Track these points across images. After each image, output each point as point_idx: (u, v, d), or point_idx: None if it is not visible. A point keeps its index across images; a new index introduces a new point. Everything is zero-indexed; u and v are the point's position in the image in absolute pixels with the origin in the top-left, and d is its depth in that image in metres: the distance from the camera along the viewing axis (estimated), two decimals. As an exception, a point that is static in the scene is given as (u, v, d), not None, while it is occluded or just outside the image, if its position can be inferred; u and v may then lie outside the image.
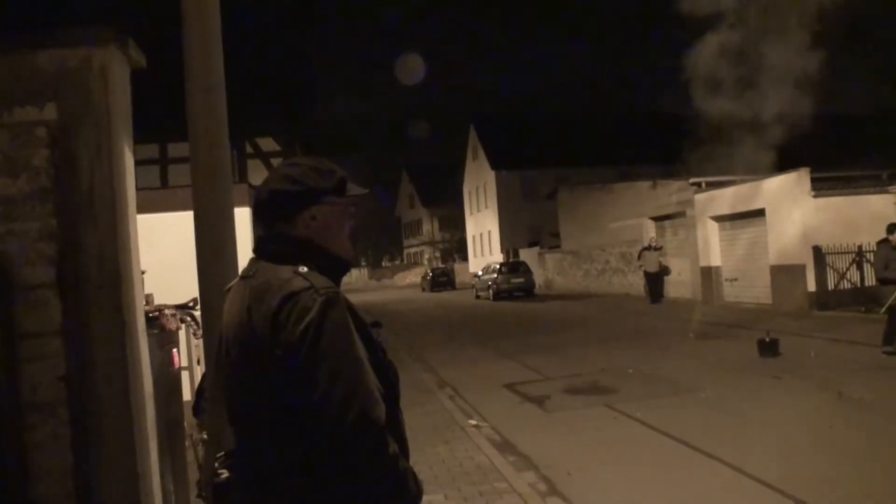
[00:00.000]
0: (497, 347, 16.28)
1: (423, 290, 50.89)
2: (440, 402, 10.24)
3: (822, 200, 18.63)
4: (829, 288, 18.31)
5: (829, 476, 6.14)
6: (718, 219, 22.76)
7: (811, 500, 5.55)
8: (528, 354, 14.59)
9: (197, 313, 4.55)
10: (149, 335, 3.77)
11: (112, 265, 3.30)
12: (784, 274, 19.19)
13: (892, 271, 10.90)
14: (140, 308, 3.61)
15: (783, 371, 10.69)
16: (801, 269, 18.43)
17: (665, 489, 6.16)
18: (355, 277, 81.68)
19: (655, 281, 25.24)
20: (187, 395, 4.97)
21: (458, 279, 52.37)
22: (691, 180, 24.32)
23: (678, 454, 7.17)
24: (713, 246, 23.00)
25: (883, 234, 11.28)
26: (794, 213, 18.86)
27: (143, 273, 3.80)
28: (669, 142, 42.89)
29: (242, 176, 13.88)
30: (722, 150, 19.41)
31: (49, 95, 3.26)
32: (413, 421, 8.64)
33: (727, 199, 22.08)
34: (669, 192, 25.89)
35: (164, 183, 13.92)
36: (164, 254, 5.78)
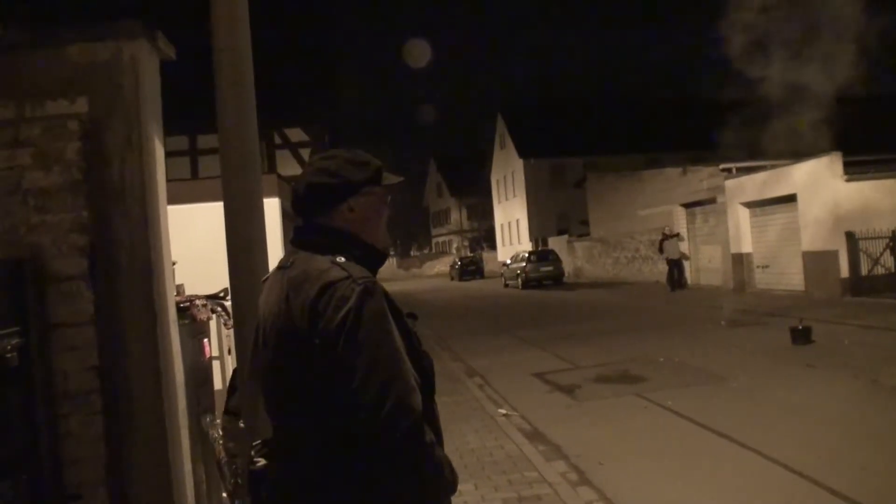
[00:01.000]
0: (526, 336, 16.25)
1: (452, 279, 50.94)
2: (469, 391, 10.25)
3: (855, 185, 18.34)
4: (863, 274, 18.03)
5: (863, 465, 6.05)
6: (749, 205, 22.50)
7: (845, 490, 5.47)
8: (557, 343, 14.55)
9: (227, 303, 4.58)
10: (180, 325, 3.80)
11: (143, 256, 3.33)
12: (816, 260, 18.93)
13: None
14: (171, 298, 3.64)
15: (816, 359, 10.56)
16: (834, 255, 18.17)
17: (697, 479, 6.11)
18: (384, 266, 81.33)
19: (678, 268, 25.60)
20: (218, 384, 5.01)
21: (487, 268, 52.32)
22: (722, 166, 24.09)
23: (710, 443, 7.11)
24: (744, 232, 22.76)
25: None
26: (825, 197, 18.58)
27: (173, 264, 3.83)
28: (699, 127, 42.58)
29: (271, 166, 13.97)
30: (758, 134, 19.16)
31: (80, 89, 3.29)
32: (442, 410, 8.57)
33: (758, 184, 21.82)
34: (700, 179, 25.63)
35: (194, 174, 14.03)
36: (194, 244, 5.81)
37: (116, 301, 3.30)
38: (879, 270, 17.96)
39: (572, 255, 39.86)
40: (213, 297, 4.77)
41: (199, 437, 4.25)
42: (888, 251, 17.89)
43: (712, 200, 24.64)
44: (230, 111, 3.37)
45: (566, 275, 36.63)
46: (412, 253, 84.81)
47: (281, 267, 2.19)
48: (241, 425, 3.34)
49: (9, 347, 3.01)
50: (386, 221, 2.29)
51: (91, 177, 3.27)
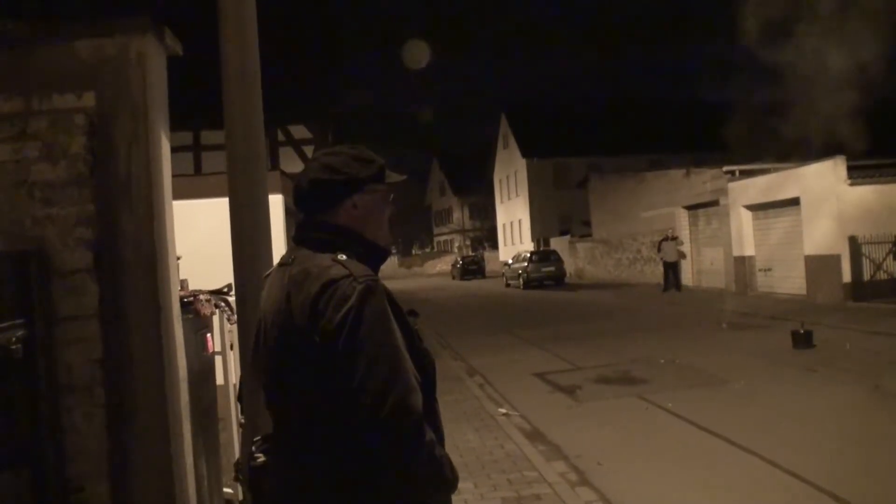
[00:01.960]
0: (527, 336, 16.26)
1: (453, 277, 50.94)
2: (470, 391, 10.26)
3: (859, 189, 18.29)
4: (865, 279, 18.00)
5: (865, 471, 6.06)
6: (752, 207, 22.47)
7: (847, 496, 5.47)
8: (558, 343, 14.56)
9: (231, 299, 4.59)
10: (183, 320, 3.81)
11: (148, 250, 3.34)
12: (819, 264, 18.90)
13: None
14: (175, 293, 3.66)
15: (818, 363, 10.57)
16: (837, 259, 18.13)
17: (696, 481, 6.12)
18: (386, 264, 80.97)
19: (674, 270, 26.11)
20: (220, 379, 5.02)
21: (489, 267, 52.32)
22: (725, 168, 24.07)
23: (710, 446, 7.12)
24: (747, 235, 22.74)
25: None
26: (829, 201, 18.54)
27: (178, 259, 3.84)
28: (703, 129, 42.55)
29: (274, 163, 13.96)
30: (766, 136, 19.13)
31: (87, 83, 3.31)
32: (443, 409, 8.55)
33: (761, 187, 21.78)
34: (703, 181, 25.62)
35: (198, 170, 14.03)
36: (198, 240, 5.82)
37: (121, 295, 3.31)
38: (882, 275, 17.91)
39: (574, 256, 39.85)
40: (216, 293, 4.78)
41: (202, 430, 4.27)
42: (891, 256, 17.86)
43: (715, 203, 24.62)
44: (237, 106, 3.38)
45: (568, 275, 36.63)
46: (414, 251, 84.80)
47: (282, 264, 2.19)
48: (242, 421, 3.36)
49: (13, 340, 3.03)
50: (388, 219, 2.29)
51: (97, 171, 3.29)
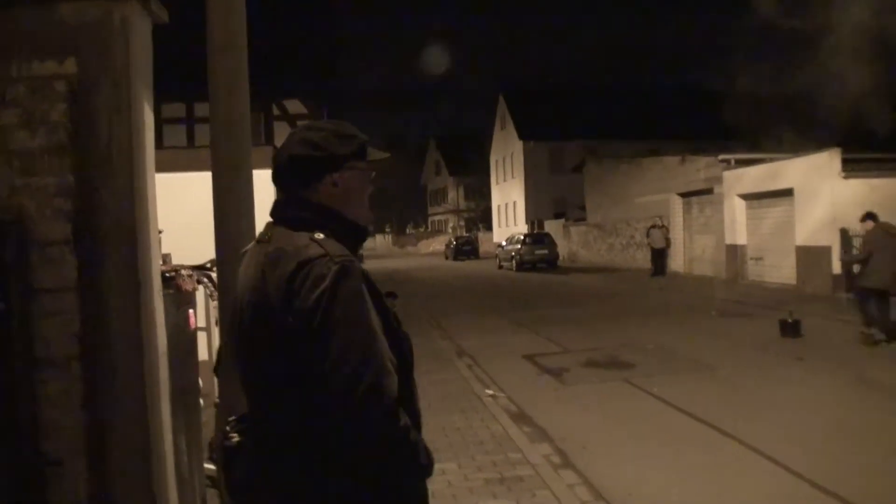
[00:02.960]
0: (518, 318, 16.26)
1: (447, 258, 50.91)
2: (458, 371, 10.26)
3: (853, 182, 18.27)
4: (854, 271, 17.99)
5: (846, 459, 6.09)
6: (746, 197, 22.48)
7: (827, 483, 5.49)
8: (548, 326, 14.57)
9: (214, 274, 4.54)
10: (165, 295, 3.76)
11: (128, 223, 3.28)
12: (809, 255, 18.92)
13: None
14: (156, 267, 3.60)
15: (804, 352, 10.60)
16: (827, 250, 18.13)
17: (680, 466, 6.13)
18: (379, 243, 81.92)
19: (661, 256, 26.82)
20: (203, 355, 4.99)
21: (482, 248, 52.29)
22: (720, 157, 24.07)
23: (695, 432, 7.13)
24: (739, 224, 22.77)
25: None
26: (823, 193, 18.54)
27: (160, 232, 3.78)
28: (702, 117, 42.41)
29: (269, 138, 13.86)
30: (769, 127, 19.07)
31: (69, 49, 3.22)
32: (430, 389, 8.71)
33: (755, 177, 21.81)
34: (698, 168, 25.62)
35: (191, 142, 13.92)
36: (185, 214, 5.77)
37: (100, 268, 3.25)
38: (871, 268, 17.90)
39: (567, 240, 39.86)
40: (199, 268, 4.73)
41: (183, 407, 4.23)
42: (884, 250, 17.83)
43: (709, 191, 24.62)
44: (222, 78, 3.32)
45: (561, 259, 36.63)
46: (408, 231, 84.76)
47: (259, 241, 2.14)
48: (217, 400, 3.32)
49: (-11, 311, 2.98)
50: (369, 198, 2.24)
51: (77, 140, 3.21)
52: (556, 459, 6.41)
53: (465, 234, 60.36)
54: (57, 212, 3.21)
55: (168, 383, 3.65)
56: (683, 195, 26.89)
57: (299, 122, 14.98)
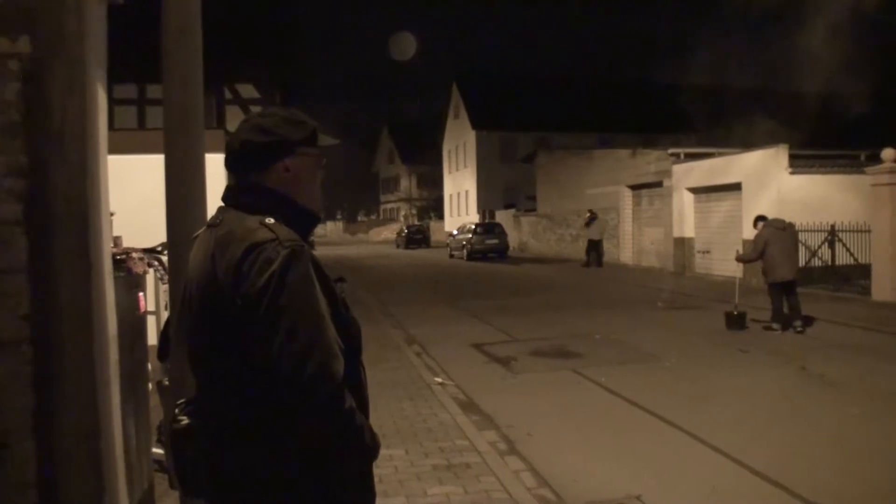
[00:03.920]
0: (467, 307, 16.35)
1: (398, 246, 50.88)
2: (407, 359, 10.29)
3: (799, 177, 18.72)
4: (800, 265, 18.42)
5: (785, 447, 6.27)
6: (695, 190, 22.87)
7: (766, 470, 5.66)
8: (497, 315, 14.69)
9: (165, 258, 4.52)
10: (115, 278, 3.73)
11: (80, 205, 3.25)
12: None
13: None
14: (107, 249, 3.57)
15: (749, 344, 10.86)
16: (773, 245, 18.52)
17: (623, 454, 6.26)
18: (330, 230, 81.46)
19: (597, 247, 27.59)
20: (153, 339, 4.95)
21: (434, 237, 52.35)
22: (670, 150, 24.42)
23: (639, 420, 7.28)
24: (687, 217, 23.15)
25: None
26: (770, 188, 18.94)
27: (112, 215, 3.75)
28: (653, 111, 42.90)
29: (220, 122, 13.71)
30: (721, 120, 19.29)
31: (23, 28, 3.17)
32: (379, 376, 8.75)
33: (704, 171, 22.20)
34: (648, 161, 25.95)
35: (142, 124, 13.71)
36: (136, 196, 5.71)
37: (50, 250, 3.21)
38: (816, 263, 18.35)
39: (518, 230, 40.11)
40: (150, 251, 4.70)
41: (132, 391, 4.21)
42: (826, 244, 18.30)
43: (659, 184, 24.97)
44: (176, 60, 3.30)
45: (511, 249, 36.89)
46: (359, 218, 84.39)
47: (210, 225, 2.16)
48: (167, 383, 3.32)
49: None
50: (320, 185, 2.28)
51: (30, 120, 3.17)
52: (503, 446, 6.50)
53: (416, 222, 60.34)
54: (9, 192, 3.16)
55: (118, 366, 3.64)
56: (633, 188, 27.24)
57: (252, 108, 14.87)
